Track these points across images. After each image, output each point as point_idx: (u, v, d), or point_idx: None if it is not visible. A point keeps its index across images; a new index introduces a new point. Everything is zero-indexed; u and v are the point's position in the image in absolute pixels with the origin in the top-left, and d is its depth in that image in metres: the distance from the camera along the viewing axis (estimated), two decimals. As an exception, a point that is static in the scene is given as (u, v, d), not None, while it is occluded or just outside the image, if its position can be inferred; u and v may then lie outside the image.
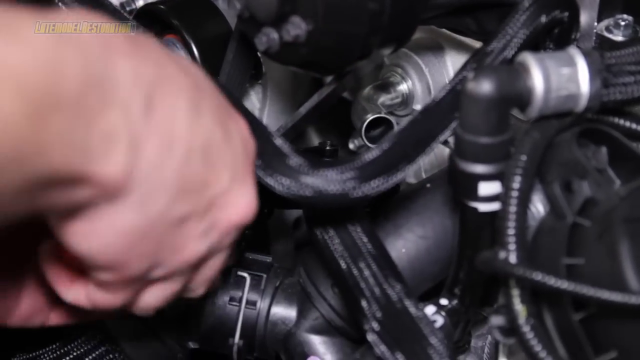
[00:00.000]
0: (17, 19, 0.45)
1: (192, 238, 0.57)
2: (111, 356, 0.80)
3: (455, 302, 0.66)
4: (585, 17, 0.70)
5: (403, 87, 0.88)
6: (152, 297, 0.61)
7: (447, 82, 0.74)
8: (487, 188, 0.58)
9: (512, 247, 0.55)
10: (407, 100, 0.88)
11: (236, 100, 0.68)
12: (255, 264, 0.80)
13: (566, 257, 0.56)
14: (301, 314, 0.78)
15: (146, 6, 0.93)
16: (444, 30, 0.82)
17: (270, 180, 0.61)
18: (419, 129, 0.65)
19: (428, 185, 0.76)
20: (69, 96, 0.45)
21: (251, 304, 0.78)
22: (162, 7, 0.91)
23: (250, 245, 0.79)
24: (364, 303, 0.64)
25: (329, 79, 0.79)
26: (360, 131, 0.84)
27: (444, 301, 0.66)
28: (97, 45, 0.48)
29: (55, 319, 0.69)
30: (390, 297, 0.64)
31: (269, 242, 1.04)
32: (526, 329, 0.54)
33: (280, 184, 0.61)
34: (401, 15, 0.67)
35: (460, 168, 0.58)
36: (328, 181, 0.60)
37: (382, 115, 0.84)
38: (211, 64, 0.81)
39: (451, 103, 0.65)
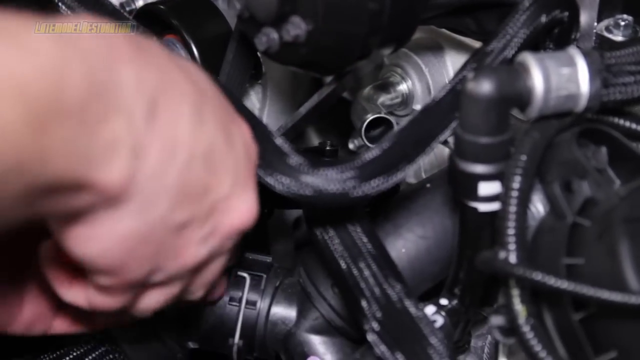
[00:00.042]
0: (19, 24, 0.44)
1: (192, 243, 0.57)
2: (111, 356, 0.79)
3: (455, 302, 0.66)
4: (585, 17, 0.70)
5: (403, 87, 0.88)
6: (152, 300, 0.61)
7: (447, 82, 0.73)
8: (487, 188, 0.58)
9: (512, 247, 0.55)
10: (407, 100, 0.88)
11: (236, 100, 0.67)
12: (255, 264, 0.80)
13: (566, 257, 0.56)
14: (301, 314, 0.78)
15: (146, 6, 0.93)
16: (443, 30, 0.82)
17: (270, 180, 0.61)
18: (419, 128, 0.65)
19: (428, 185, 0.76)
20: (72, 104, 0.44)
21: (251, 304, 0.78)
22: (162, 7, 0.91)
23: (250, 245, 0.79)
24: (364, 303, 0.64)
25: (329, 79, 0.79)
26: (360, 131, 0.84)
27: (444, 301, 0.66)
28: (101, 51, 0.47)
29: (58, 327, 0.68)
30: (390, 297, 0.64)
31: (269, 242, 1.04)
32: (526, 329, 0.54)
33: (280, 183, 0.61)
34: (401, 15, 0.66)
35: (460, 168, 0.58)
36: (328, 180, 0.60)
37: (382, 115, 0.84)
38: (211, 64, 0.81)
39: (451, 103, 0.65)
